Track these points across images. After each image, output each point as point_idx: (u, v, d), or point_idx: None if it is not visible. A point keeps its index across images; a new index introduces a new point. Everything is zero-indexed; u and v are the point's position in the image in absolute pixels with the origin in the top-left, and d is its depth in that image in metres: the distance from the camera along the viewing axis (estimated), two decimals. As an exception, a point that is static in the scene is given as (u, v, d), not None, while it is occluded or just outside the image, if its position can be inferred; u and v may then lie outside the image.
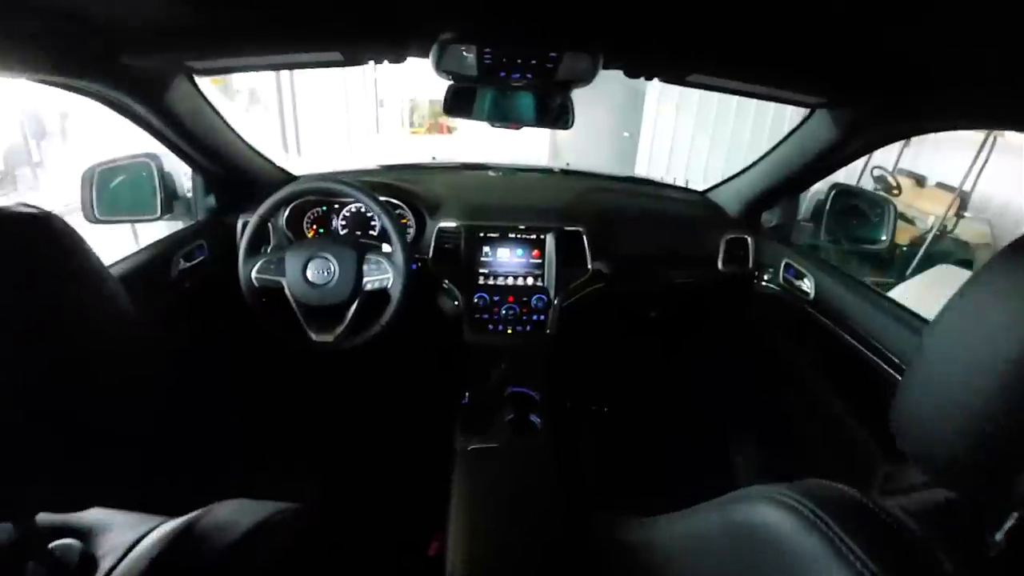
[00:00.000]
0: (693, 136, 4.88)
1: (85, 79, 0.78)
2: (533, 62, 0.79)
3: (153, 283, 1.15)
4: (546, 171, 1.92)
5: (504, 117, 1.09)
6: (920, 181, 4.28)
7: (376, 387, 1.78)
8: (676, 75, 0.87)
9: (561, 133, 5.39)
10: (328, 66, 0.93)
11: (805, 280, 1.36)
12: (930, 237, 3.70)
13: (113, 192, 1.26)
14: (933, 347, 0.45)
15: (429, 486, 1.11)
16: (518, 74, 0.84)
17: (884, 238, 1.37)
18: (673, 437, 1.76)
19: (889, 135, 1.10)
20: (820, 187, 1.47)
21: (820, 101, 1.03)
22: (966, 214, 3.89)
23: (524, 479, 1.01)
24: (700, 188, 1.73)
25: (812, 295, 1.32)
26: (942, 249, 3.69)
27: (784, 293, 1.43)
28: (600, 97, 5.25)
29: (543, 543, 0.82)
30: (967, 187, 3.76)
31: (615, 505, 1.47)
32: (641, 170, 5.17)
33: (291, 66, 0.96)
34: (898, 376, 1.00)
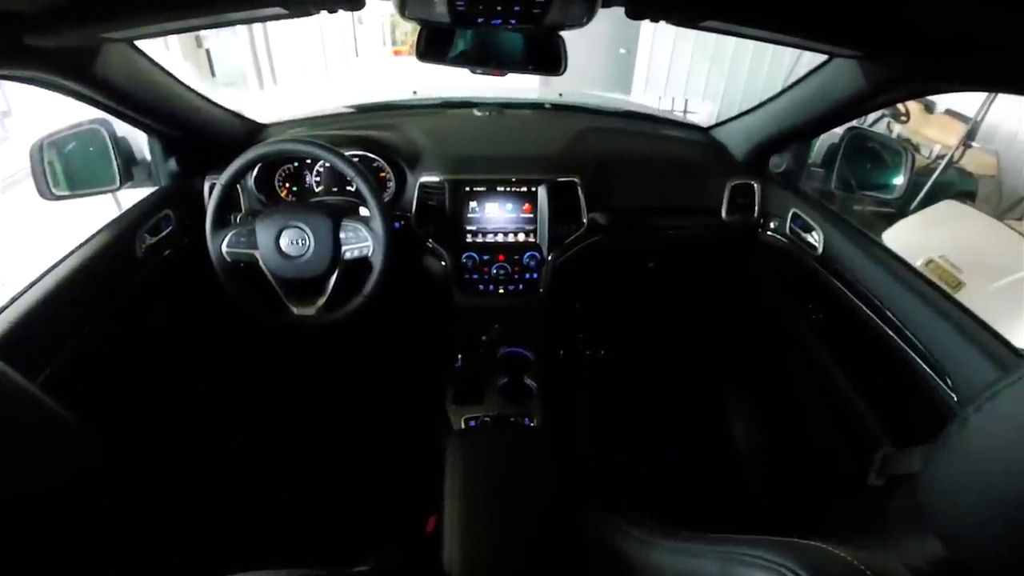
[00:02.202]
0: (692, 54, 4.53)
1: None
2: (516, 6, 0.66)
3: (117, 266, 1.07)
4: (537, 106, 1.77)
5: (486, 62, 0.97)
6: (928, 107, 4.07)
7: (364, 357, 1.75)
8: (688, 19, 0.74)
9: (553, 51, 5.01)
10: (270, 20, 0.80)
11: (813, 233, 1.27)
12: (942, 166, 3.55)
13: (67, 165, 1.16)
14: (980, 426, 0.41)
15: (424, 459, 1.10)
16: (499, 19, 0.71)
17: (899, 186, 1.27)
18: (668, 396, 1.76)
19: (921, 91, 0.98)
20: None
21: (853, 54, 0.90)
22: (974, 144, 3.73)
23: (518, 460, 1.00)
24: (700, 112, 1.60)
25: (820, 250, 1.25)
26: (945, 180, 3.53)
27: (790, 245, 1.36)
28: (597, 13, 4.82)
29: (538, 536, 0.81)
30: (978, 116, 3.56)
31: (610, 486, 1.50)
32: (638, 90, 4.87)
33: (226, 24, 0.82)
34: (908, 349, 0.95)
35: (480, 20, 0.72)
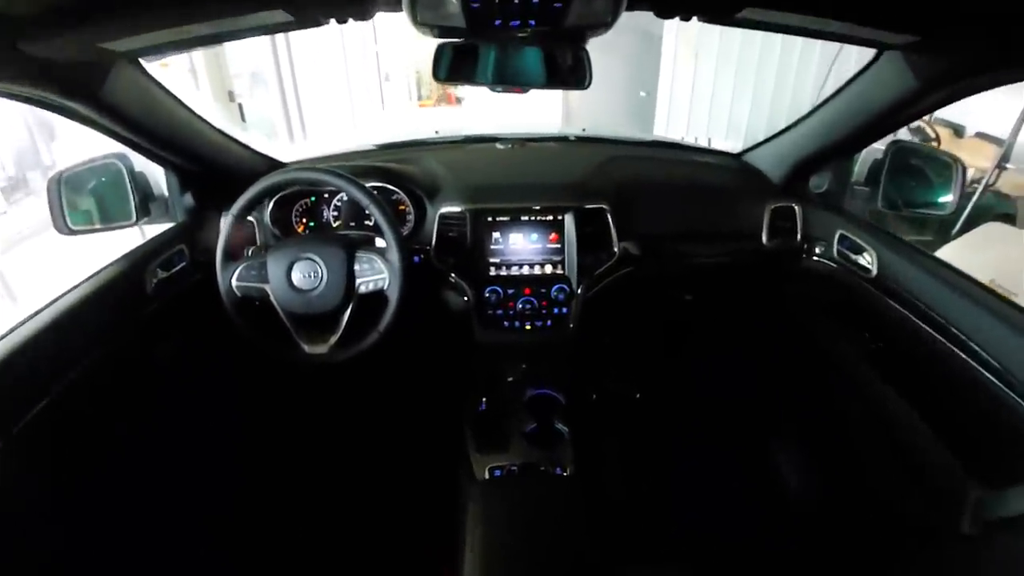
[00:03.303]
0: (713, 90, 4.53)
1: None
2: (535, 5, 0.61)
3: (126, 298, 1.03)
4: (560, 139, 1.73)
5: (507, 79, 0.91)
6: (958, 131, 3.97)
7: (378, 399, 1.65)
8: (722, 12, 0.67)
9: (574, 98, 5.10)
10: (278, 30, 0.77)
11: (864, 255, 1.16)
12: (980, 189, 3.43)
13: (83, 199, 1.15)
14: None
15: (440, 509, 0.99)
16: (517, 21, 0.66)
17: (950, 202, 1.16)
18: (708, 438, 1.60)
19: (977, 85, 0.88)
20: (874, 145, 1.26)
21: (908, 40, 0.81)
22: (1008, 166, 3.62)
23: (548, 513, 0.88)
24: (726, 145, 1.52)
25: (874, 271, 1.13)
26: (983, 203, 3.40)
27: (839, 270, 1.24)
28: (613, 53, 4.92)
29: None
30: (1011, 137, 3.47)
31: (649, 539, 1.35)
32: (660, 130, 4.86)
33: (232, 36, 0.79)
34: (986, 373, 0.82)
35: (497, 22, 0.66)
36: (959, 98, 0.92)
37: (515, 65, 0.92)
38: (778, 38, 4.61)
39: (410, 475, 1.47)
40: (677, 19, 0.73)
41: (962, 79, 0.86)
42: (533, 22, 0.66)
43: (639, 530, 1.36)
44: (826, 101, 1.19)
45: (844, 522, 1.26)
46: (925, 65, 0.86)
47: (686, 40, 4.51)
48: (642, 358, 1.73)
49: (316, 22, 0.72)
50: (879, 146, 1.23)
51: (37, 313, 0.86)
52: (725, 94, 4.43)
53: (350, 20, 0.71)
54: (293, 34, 5.25)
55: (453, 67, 0.92)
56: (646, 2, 0.69)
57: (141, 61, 0.88)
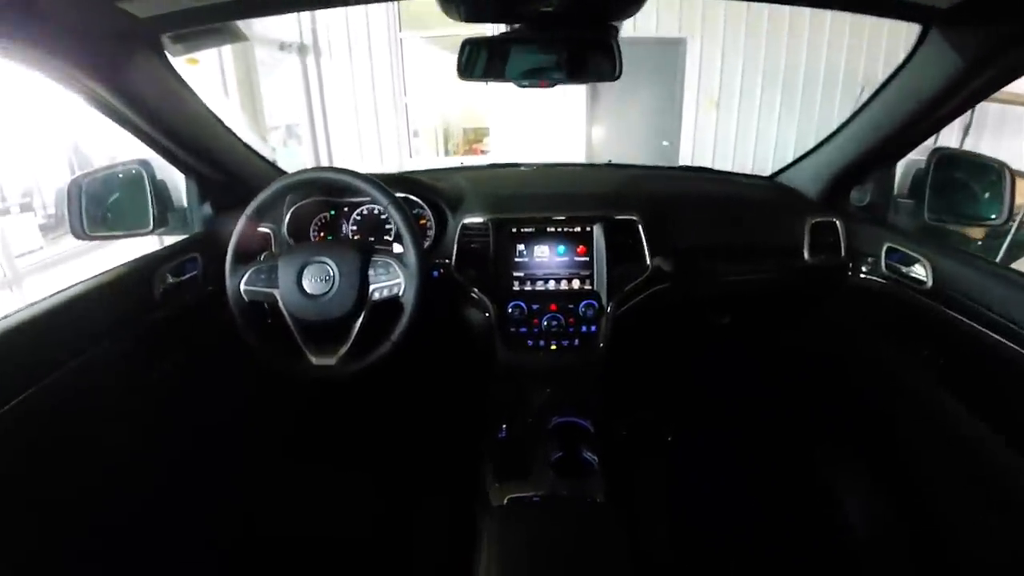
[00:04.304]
0: (736, 133, 4.56)
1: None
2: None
3: (130, 299, 0.98)
4: (587, 165, 1.70)
5: (533, 73, 0.88)
6: (1015, 179, 3.92)
7: (390, 423, 1.55)
8: None
9: (597, 148, 5.19)
10: (308, 3, 0.75)
11: (917, 266, 1.07)
12: (1015, 225, 3.34)
13: (103, 205, 1.14)
14: None
15: (454, 544, 0.87)
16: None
17: (1001, 212, 1.07)
18: (756, 470, 1.44)
19: None
20: (914, 157, 1.18)
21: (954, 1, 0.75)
22: None
23: (577, 544, 0.76)
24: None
25: (929, 283, 1.03)
26: (1017, 240, 3.40)
27: (890, 285, 1.14)
28: (636, 105, 5.03)
29: None
30: None
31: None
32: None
33: (260, 5, 0.78)
34: None
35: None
36: (1014, 77, 0.84)
37: (541, 59, 0.89)
38: (800, 83, 4.67)
39: (422, 504, 1.35)
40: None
41: (1014, 50, 0.79)
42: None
43: (684, 567, 1.20)
44: (862, 108, 1.13)
45: (916, 559, 1.10)
46: (974, 37, 0.79)
47: (707, 90, 4.61)
48: (677, 386, 1.60)
49: None
50: (917, 156, 1.17)
51: (36, 302, 0.81)
52: (748, 141, 4.46)
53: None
54: (328, 88, 5.57)
55: (479, 64, 0.90)
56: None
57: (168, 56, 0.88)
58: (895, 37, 4.52)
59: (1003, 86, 0.90)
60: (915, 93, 0.98)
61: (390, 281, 0.98)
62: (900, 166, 1.23)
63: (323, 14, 5.25)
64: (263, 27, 4.91)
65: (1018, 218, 3.47)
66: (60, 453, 0.82)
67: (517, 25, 0.86)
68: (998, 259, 3.10)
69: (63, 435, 0.82)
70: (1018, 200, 3.61)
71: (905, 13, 0.82)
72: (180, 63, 0.96)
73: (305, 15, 5.25)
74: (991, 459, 0.91)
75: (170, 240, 1.20)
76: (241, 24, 0.97)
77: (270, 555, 1.22)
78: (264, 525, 1.26)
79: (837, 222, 1.24)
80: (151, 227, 1.14)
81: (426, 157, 6.62)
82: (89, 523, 0.88)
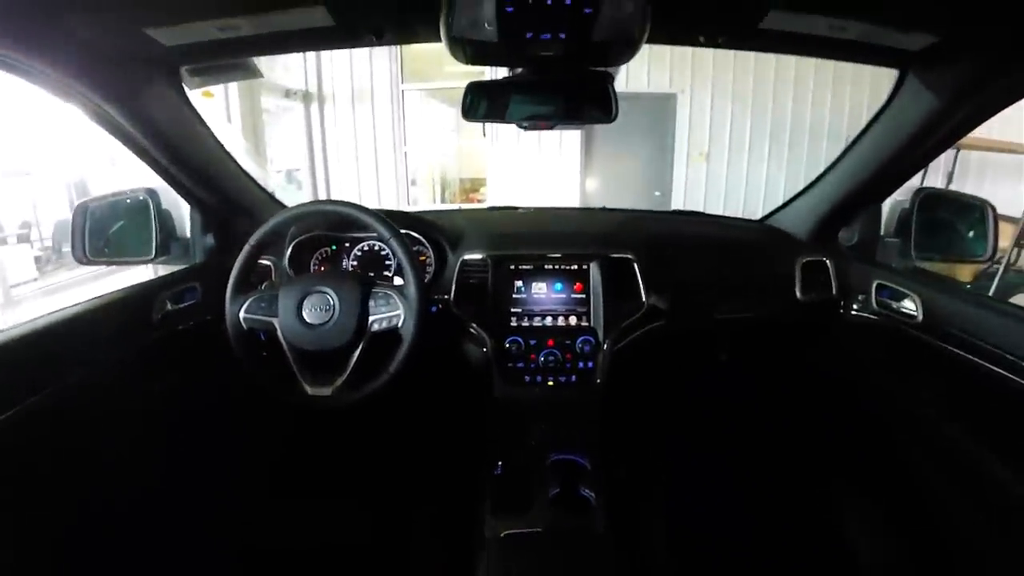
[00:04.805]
0: (726, 182, 4.73)
1: (23, 49, 0.66)
2: (567, 2, 0.62)
3: (130, 325, 0.98)
4: (583, 210, 1.75)
5: (534, 115, 0.93)
6: (997, 216, 4.09)
7: (388, 453, 1.52)
8: (746, 22, 0.68)
9: (592, 193, 5.33)
10: (320, 40, 0.79)
11: (907, 301, 1.10)
12: (1002, 269, 3.46)
13: (106, 231, 1.16)
14: None
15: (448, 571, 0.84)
16: (548, 34, 0.67)
17: (987, 249, 1.12)
18: (758, 505, 1.41)
19: (1007, 95, 0.86)
20: (898, 198, 1.24)
21: (928, 42, 0.81)
22: None
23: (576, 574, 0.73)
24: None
25: (920, 317, 1.06)
26: (1008, 281, 3.56)
27: (882, 320, 1.17)
28: (629, 158, 5.22)
29: None
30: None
31: None
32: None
33: (277, 43, 0.82)
34: None
35: (528, 35, 0.68)
36: (990, 113, 0.90)
37: (541, 102, 0.94)
38: (787, 134, 4.89)
39: (417, 536, 1.31)
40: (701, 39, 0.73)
41: (988, 87, 0.84)
42: (563, 34, 0.68)
43: None
44: (846, 151, 1.19)
45: None
46: (948, 79, 0.85)
47: (697, 143, 4.81)
48: (677, 420, 1.59)
49: (356, 33, 0.74)
50: (903, 197, 1.22)
51: (39, 318, 0.82)
52: (738, 192, 4.62)
53: (386, 35, 0.73)
54: (330, 135, 5.74)
55: (482, 107, 0.95)
56: (669, 26, 0.70)
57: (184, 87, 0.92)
58: (877, 91, 4.78)
59: (979, 124, 0.96)
60: (896, 134, 1.04)
61: (390, 312, 0.98)
62: (886, 206, 1.28)
63: (329, 64, 5.48)
64: (269, 73, 5.11)
65: (1003, 262, 3.59)
66: (56, 463, 0.81)
67: (519, 70, 0.92)
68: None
69: (60, 447, 0.81)
70: (1002, 245, 3.74)
71: (881, 58, 0.88)
72: (194, 96, 1.00)
73: (311, 63, 5.47)
74: (991, 481, 0.91)
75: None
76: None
77: None
78: (256, 552, 1.21)
79: (827, 261, 1.28)
80: (153, 255, 1.16)
81: (423, 206, 6.74)
82: (84, 536, 0.85)
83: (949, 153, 4.75)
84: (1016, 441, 0.88)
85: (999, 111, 0.90)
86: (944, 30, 0.76)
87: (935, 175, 4.91)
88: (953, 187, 4.74)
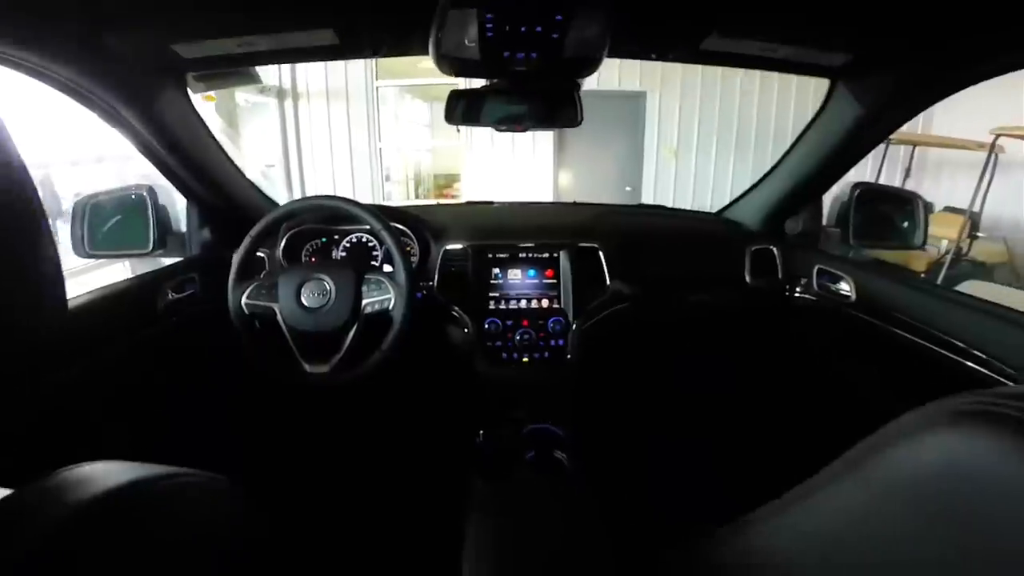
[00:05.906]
0: (695, 178, 4.93)
1: (60, 62, 0.73)
2: (538, 28, 0.73)
3: (137, 314, 1.06)
4: (555, 204, 1.88)
5: (509, 119, 1.04)
6: (927, 207, 4.31)
7: (380, 429, 1.62)
8: (689, 43, 0.81)
9: (565, 188, 5.47)
10: (327, 55, 0.89)
11: (842, 283, 1.25)
12: (949, 259, 3.66)
13: (105, 225, 1.21)
14: None
15: (439, 537, 0.95)
16: (522, 53, 0.78)
17: (918, 235, 1.26)
18: (724, 468, 1.56)
19: (920, 101, 1.01)
20: (839, 191, 1.38)
21: (846, 60, 0.95)
22: (979, 234, 3.88)
23: (558, 518, 0.85)
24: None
25: (853, 297, 1.21)
26: (960, 272, 3.69)
27: (823, 302, 1.32)
28: (601, 155, 5.38)
29: None
30: (975, 207, 3.82)
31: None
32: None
33: (287, 56, 0.91)
34: (981, 369, 0.86)
35: (506, 54, 0.79)
36: (910, 116, 1.05)
37: (516, 108, 1.05)
38: (752, 135, 5.12)
39: (412, 505, 1.41)
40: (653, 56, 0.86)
41: (906, 97, 0.99)
42: (535, 54, 0.79)
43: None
44: (790, 150, 1.34)
45: None
46: (870, 89, 0.99)
47: (666, 140, 5.00)
48: (647, 396, 1.73)
49: (356, 49, 0.84)
50: (834, 190, 1.37)
51: None
52: (706, 186, 4.83)
53: (384, 47, 0.82)
54: (304, 131, 5.73)
55: (463, 111, 1.06)
56: (626, 45, 0.82)
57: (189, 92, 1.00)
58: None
59: (900, 126, 1.12)
60: (830, 136, 1.18)
61: (381, 296, 1.09)
62: (828, 198, 1.43)
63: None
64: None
65: (950, 253, 3.80)
66: (60, 452, 0.87)
67: (495, 80, 1.03)
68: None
69: (64, 433, 0.87)
70: (952, 234, 3.92)
71: (813, 70, 1.02)
72: (195, 98, 1.08)
73: (285, 62, 5.43)
74: None
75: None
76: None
77: (261, 553, 1.25)
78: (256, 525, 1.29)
79: (774, 249, 1.42)
80: (150, 248, 1.22)
81: (398, 201, 6.76)
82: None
83: (906, 150, 5.05)
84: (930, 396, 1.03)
85: (915, 115, 1.05)
86: (857, 49, 0.91)
87: (894, 171, 5.20)
88: (911, 182, 5.00)
